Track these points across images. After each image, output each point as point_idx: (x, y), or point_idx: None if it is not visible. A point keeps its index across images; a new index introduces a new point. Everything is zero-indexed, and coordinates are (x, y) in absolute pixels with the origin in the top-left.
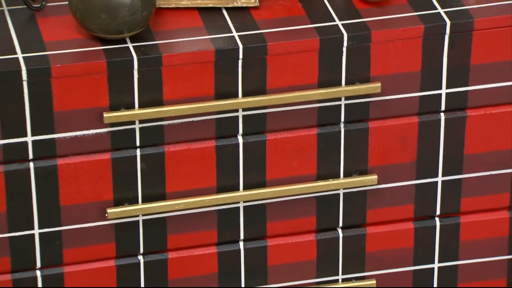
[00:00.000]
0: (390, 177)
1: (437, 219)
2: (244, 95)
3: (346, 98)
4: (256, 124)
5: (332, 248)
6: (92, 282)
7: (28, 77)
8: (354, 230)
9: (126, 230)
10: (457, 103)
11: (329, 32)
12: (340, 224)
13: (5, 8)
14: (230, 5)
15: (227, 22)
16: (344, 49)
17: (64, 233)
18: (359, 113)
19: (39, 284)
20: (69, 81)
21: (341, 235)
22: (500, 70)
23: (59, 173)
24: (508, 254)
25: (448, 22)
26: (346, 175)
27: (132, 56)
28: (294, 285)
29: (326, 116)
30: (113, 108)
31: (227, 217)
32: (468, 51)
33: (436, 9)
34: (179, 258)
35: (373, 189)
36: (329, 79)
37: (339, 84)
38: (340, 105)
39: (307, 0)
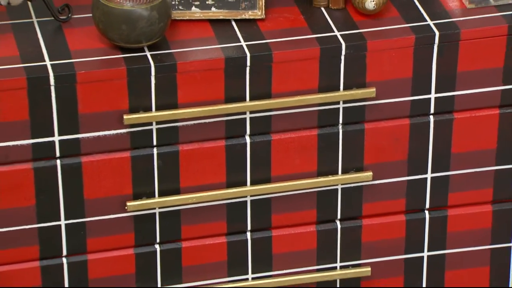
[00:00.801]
0: (384, 174)
1: (426, 212)
2: (251, 99)
3: (344, 102)
4: (262, 125)
5: (331, 238)
6: (113, 268)
7: (55, 82)
8: (351, 222)
9: (144, 222)
10: (445, 106)
11: (329, 42)
12: (338, 217)
13: (34, 19)
14: (239, 17)
15: (236, 32)
16: (342, 57)
17: (88, 224)
18: (355, 115)
19: (65, 270)
20: (93, 86)
21: (339, 226)
22: (484, 76)
23: (83, 170)
24: (491, 244)
25: (437, 33)
26: (344, 171)
27: (149, 64)
28: (296, 271)
29: (326, 118)
30: (132, 110)
31: (236, 209)
32: (455, 59)
33: (426, 21)
34: (192, 247)
35: (368, 184)
36: (329, 85)
37: (337, 89)
38: (339, 108)
39: (308, 12)
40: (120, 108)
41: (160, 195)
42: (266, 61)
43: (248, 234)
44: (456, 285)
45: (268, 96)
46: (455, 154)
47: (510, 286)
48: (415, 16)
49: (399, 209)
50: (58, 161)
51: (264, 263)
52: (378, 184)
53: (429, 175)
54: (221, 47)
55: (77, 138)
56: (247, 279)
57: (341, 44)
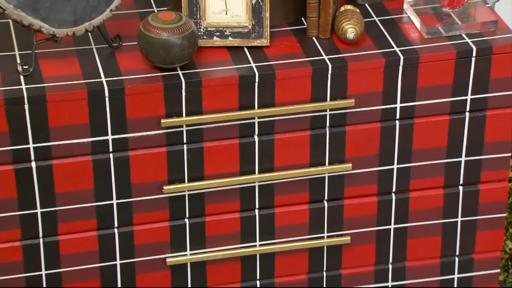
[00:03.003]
0: (361, 165)
1: (393, 194)
2: (259, 107)
3: (330, 110)
4: (267, 127)
5: (320, 214)
6: (153, 236)
7: (109, 94)
8: (335, 202)
9: (176, 201)
10: (407, 113)
11: (319, 64)
12: (326, 198)
13: (93, 46)
14: (250, 45)
15: (247, 56)
16: (329, 76)
17: (133, 203)
18: (339, 120)
19: (116, 238)
20: (138, 97)
21: (326, 205)
22: (437, 91)
23: (130, 161)
24: (442, 219)
25: (402, 57)
26: (330, 163)
27: (181, 80)
28: (293, 239)
29: (316, 122)
30: (168, 116)
31: (247, 192)
32: (415, 77)
33: (393, 48)
34: (213, 221)
35: (349, 173)
36: (318, 96)
37: (325, 100)
38: (326, 114)
39: (303, 41)
40: (158, 114)
41: (189, 181)
42: (271, 78)
43: (256, 211)
44: (416, 250)
45: (272, 105)
46: (415, 150)
47: (457, 252)
48: (385, 44)
49: (372, 192)
50: (111, 155)
51: (268, 233)
52: (356, 173)
53: (395, 166)
54: (236, 68)
55: (126, 137)
56: (255, 246)
57: (328, 65)
